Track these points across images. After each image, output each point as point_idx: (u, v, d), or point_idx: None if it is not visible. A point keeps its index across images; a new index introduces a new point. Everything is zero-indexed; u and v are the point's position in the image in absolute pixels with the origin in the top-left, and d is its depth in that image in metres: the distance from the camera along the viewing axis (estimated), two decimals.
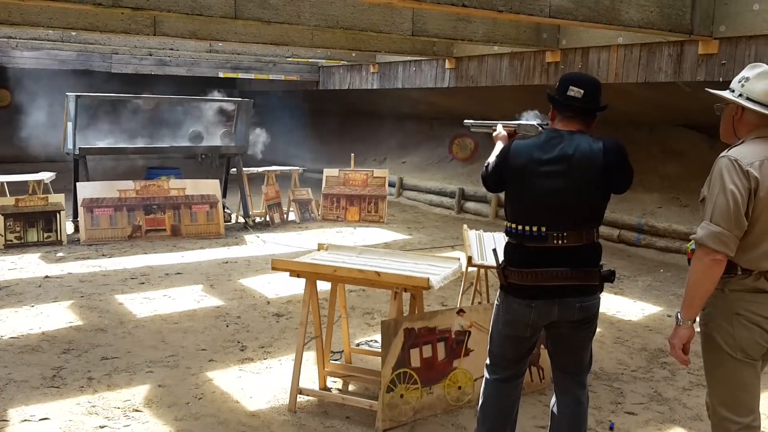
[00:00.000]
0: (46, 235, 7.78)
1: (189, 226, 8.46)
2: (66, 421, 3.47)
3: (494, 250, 2.99)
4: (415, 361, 3.60)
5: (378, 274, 3.49)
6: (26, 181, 8.46)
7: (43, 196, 8.00)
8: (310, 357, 4.18)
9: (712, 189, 2.38)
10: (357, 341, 4.77)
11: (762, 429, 2.56)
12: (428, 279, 3.43)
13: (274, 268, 3.70)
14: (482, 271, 4.77)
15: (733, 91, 2.49)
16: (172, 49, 10.10)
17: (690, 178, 8.32)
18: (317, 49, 9.61)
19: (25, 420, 3.46)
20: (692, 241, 2.47)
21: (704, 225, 2.36)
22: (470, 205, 10.93)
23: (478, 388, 3.80)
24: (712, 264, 2.34)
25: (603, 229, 8.82)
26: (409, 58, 10.09)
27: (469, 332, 3.83)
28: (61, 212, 7.89)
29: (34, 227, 7.74)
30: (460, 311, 3.82)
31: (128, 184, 8.40)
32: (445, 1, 4.61)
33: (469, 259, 4.21)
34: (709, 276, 2.37)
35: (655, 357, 4.70)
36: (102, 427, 3.44)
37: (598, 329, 5.26)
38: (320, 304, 3.99)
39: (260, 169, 9.80)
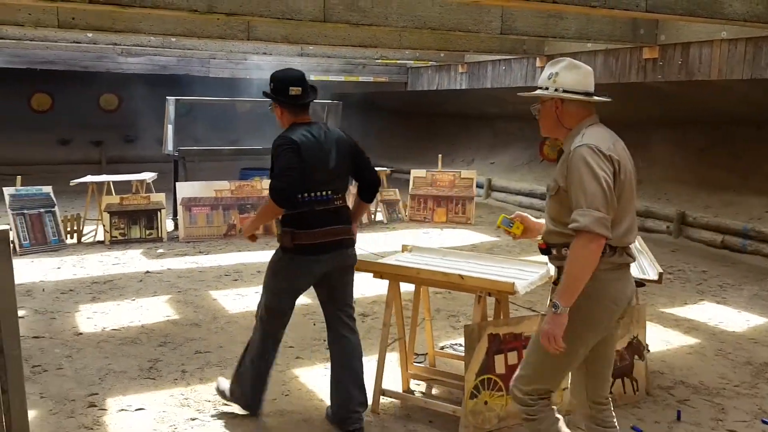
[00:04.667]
0: (147, 232, 8.19)
1: None
2: (160, 412, 3.62)
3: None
4: (500, 367, 3.52)
5: (461, 277, 3.43)
6: (130, 181, 8.92)
7: (146, 195, 8.41)
8: (393, 358, 4.18)
9: (580, 177, 2.41)
10: (441, 344, 4.73)
11: None
12: (514, 284, 3.34)
13: (357, 270, 3.71)
14: None
15: (546, 88, 2.60)
16: (265, 53, 10.39)
17: None
18: (405, 50, 9.63)
19: (122, 410, 3.64)
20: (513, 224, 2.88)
21: (583, 212, 2.38)
22: None
23: (566, 397, 3.68)
24: (597, 249, 2.38)
25: (705, 234, 8.37)
26: (498, 57, 9.93)
27: None
28: (162, 210, 8.28)
29: (137, 224, 8.17)
30: None
31: (224, 184, 8.71)
32: None
33: None
34: (594, 261, 2.40)
35: (761, 372, 4.40)
36: (193, 419, 3.57)
37: (698, 340, 4.97)
38: (405, 305, 3.98)
39: None
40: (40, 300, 5.60)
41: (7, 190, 7.35)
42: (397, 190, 10.27)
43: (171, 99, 8.52)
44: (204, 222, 8.42)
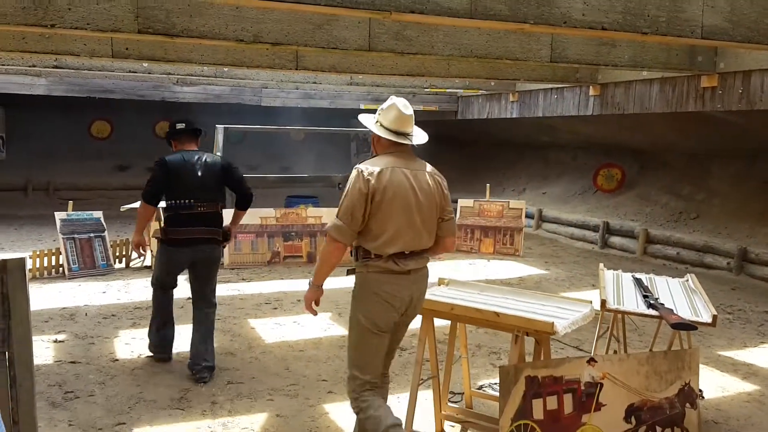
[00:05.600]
0: None
1: None
2: None
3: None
4: (538, 412, 3.30)
5: (497, 314, 3.27)
6: None
7: None
8: (429, 396, 4.01)
9: (344, 192, 3.06)
10: (480, 383, 4.53)
11: None
12: (553, 323, 3.16)
13: None
14: (620, 315, 4.36)
15: (374, 119, 3.25)
16: (315, 83, 10.47)
17: None
18: (455, 79, 9.54)
19: None
20: None
21: (334, 219, 3.06)
22: (615, 240, 10.28)
23: None
24: (334, 248, 3.06)
25: None
26: (550, 85, 9.75)
27: (601, 384, 3.47)
28: None
29: None
30: (591, 360, 3.49)
31: (269, 212, 8.73)
32: (581, 25, 4.33)
33: (603, 302, 3.85)
34: (332, 256, 3.08)
35: None
36: None
37: (757, 387, 4.64)
38: (444, 340, 3.81)
39: None
40: (82, 324, 5.65)
41: (59, 215, 7.53)
42: None
43: (220, 127, 8.64)
44: (249, 249, 8.44)
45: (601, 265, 4.67)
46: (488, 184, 10.34)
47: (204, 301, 4.68)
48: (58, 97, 11.06)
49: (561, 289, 7.55)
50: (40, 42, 6.34)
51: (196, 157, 4.61)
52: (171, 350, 4.84)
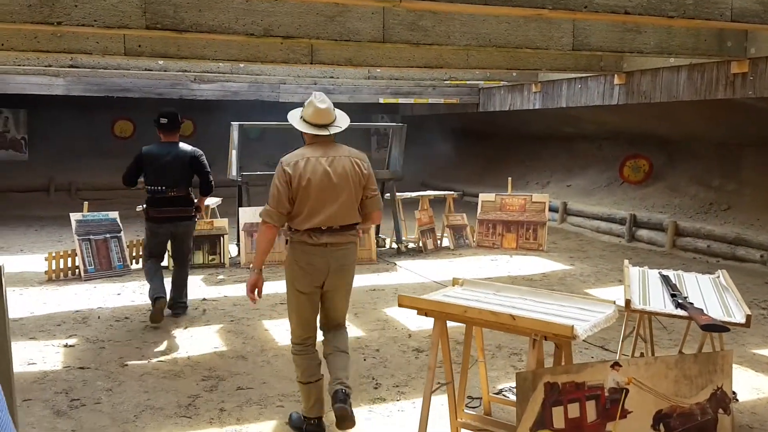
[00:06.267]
0: (210, 257, 8.15)
1: None
2: None
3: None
4: (559, 421, 3.11)
5: (513, 317, 3.07)
6: None
7: (209, 220, 8.39)
8: (445, 402, 3.82)
9: (272, 181, 3.50)
10: (500, 387, 4.33)
11: None
12: (573, 327, 2.96)
13: (400, 305, 3.43)
14: (646, 315, 4.13)
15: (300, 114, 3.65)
16: (333, 77, 10.30)
17: None
18: (475, 70, 9.30)
19: None
20: None
21: (265, 206, 3.53)
22: (643, 233, 9.97)
23: None
24: (265, 229, 3.52)
25: None
26: (573, 75, 9.48)
27: (627, 390, 3.26)
28: (225, 236, 8.22)
29: (200, 250, 8.12)
30: (615, 364, 3.27)
31: None
32: (603, 9, 4.11)
33: (627, 302, 3.63)
34: (265, 237, 3.54)
35: None
36: None
37: None
38: (461, 341, 3.63)
39: (414, 194, 9.63)
40: (94, 328, 5.56)
41: (74, 216, 7.46)
42: (464, 214, 9.89)
43: (235, 124, 8.51)
44: None
45: (626, 261, 4.44)
46: (509, 178, 10.08)
47: (180, 259, 5.94)
48: (79, 97, 11.05)
49: (586, 285, 7.31)
50: (52, 41, 6.27)
51: (169, 149, 5.64)
52: (165, 292, 5.67)
